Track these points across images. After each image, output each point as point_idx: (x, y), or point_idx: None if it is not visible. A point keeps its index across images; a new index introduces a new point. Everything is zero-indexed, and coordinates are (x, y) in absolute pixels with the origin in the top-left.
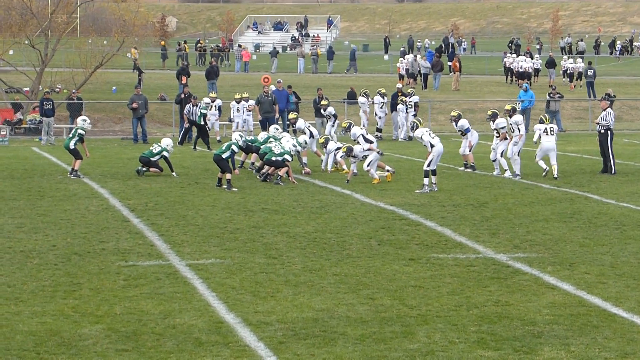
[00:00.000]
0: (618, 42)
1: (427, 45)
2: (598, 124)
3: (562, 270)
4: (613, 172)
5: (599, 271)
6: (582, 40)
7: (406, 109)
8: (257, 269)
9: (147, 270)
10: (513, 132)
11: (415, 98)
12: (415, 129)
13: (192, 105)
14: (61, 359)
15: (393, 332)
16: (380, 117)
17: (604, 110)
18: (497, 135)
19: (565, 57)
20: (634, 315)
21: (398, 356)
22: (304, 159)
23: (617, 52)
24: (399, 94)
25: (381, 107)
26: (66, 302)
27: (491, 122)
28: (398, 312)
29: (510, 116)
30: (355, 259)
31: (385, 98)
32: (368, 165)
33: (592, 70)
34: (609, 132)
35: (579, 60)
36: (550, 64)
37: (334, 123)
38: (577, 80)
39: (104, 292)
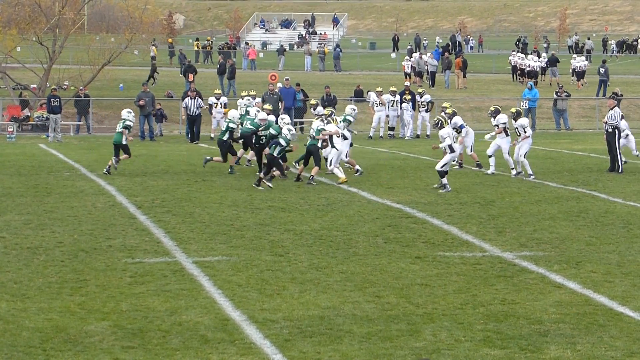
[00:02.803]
0: (612, 41)
1: (437, 43)
2: (606, 123)
3: (568, 268)
4: (620, 170)
5: (605, 270)
6: (589, 39)
7: (413, 106)
8: (263, 267)
9: (154, 267)
10: (519, 135)
11: (427, 97)
12: (441, 128)
13: (191, 99)
14: (67, 356)
15: (399, 330)
16: (388, 116)
17: (611, 109)
18: (499, 131)
19: (574, 55)
20: None
21: (404, 354)
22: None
23: (615, 51)
24: (406, 92)
25: (392, 106)
26: (72, 298)
27: (492, 118)
28: (404, 310)
29: (515, 119)
30: (361, 257)
31: (397, 96)
32: (331, 164)
33: (603, 69)
34: (616, 130)
35: (582, 58)
36: (553, 62)
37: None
38: (586, 77)
39: (110, 289)
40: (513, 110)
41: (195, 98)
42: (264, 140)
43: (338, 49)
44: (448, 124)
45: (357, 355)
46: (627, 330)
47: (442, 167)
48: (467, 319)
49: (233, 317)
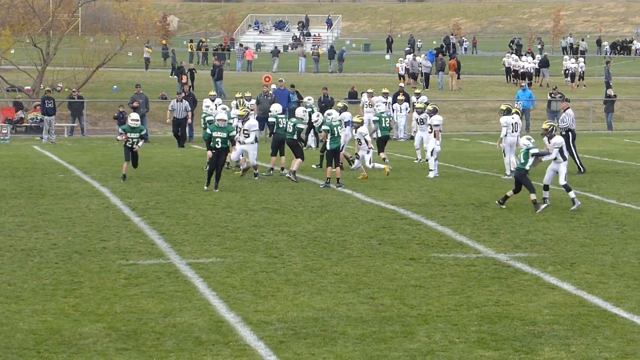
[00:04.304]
0: (605, 42)
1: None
2: (559, 127)
3: (562, 270)
4: (583, 171)
5: (599, 271)
6: (583, 40)
7: (409, 108)
8: (257, 268)
9: (148, 269)
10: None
11: (423, 98)
12: (554, 136)
13: (177, 101)
14: (61, 358)
15: (393, 331)
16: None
17: (564, 111)
18: (430, 130)
19: (566, 57)
20: (635, 315)
21: (398, 356)
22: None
23: (608, 52)
24: (400, 93)
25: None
26: (67, 300)
27: (428, 117)
28: (398, 312)
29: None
30: (355, 259)
31: (389, 98)
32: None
33: (605, 70)
34: (569, 133)
35: (581, 60)
36: (544, 63)
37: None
38: (579, 80)
39: (105, 291)
40: (503, 107)
41: (182, 100)
42: (219, 144)
43: (343, 49)
44: (559, 130)
45: (352, 357)
46: (621, 332)
47: (565, 181)
48: (462, 320)
49: (227, 318)
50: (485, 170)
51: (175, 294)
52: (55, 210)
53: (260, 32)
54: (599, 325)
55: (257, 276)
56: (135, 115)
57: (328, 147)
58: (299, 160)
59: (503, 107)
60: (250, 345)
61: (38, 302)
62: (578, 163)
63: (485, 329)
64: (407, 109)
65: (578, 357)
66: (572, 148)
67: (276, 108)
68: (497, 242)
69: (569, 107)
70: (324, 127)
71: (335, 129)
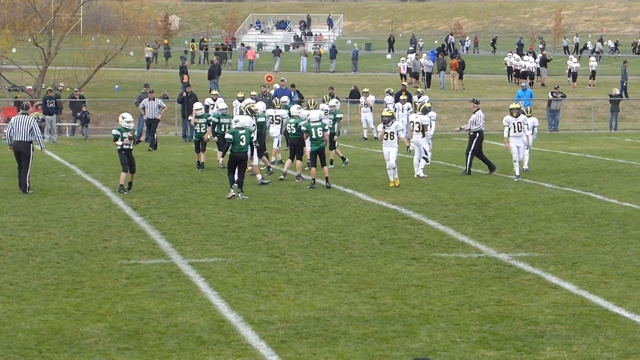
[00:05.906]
0: (608, 41)
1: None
2: (469, 129)
3: (564, 269)
4: (467, 172)
5: (601, 271)
6: (599, 42)
7: (411, 108)
8: (259, 268)
9: (149, 268)
10: (515, 132)
11: (425, 97)
12: None
13: (149, 100)
14: (63, 357)
15: (395, 331)
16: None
17: (474, 112)
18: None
19: (571, 56)
20: (636, 315)
21: (400, 355)
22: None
23: (590, 52)
24: (402, 92)
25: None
26: (68, 300)
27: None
28: (400, 312)
29: (516, 116)
30: (357, 258)
31: (393, 96)
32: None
33: (622, 70)
34: (478, 134)
35: (593, 59)
36: (542, 62)
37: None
38: (591, 79)
39: (106, 291)
40: (517, 106)
41: (154, 99)
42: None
43: (357, 50)
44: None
45: (353, 357)
46: (623, 331)
47: None
48: (463, 320)
49: (229, 318)
50: (486, 170)
51: (176, 293)
52: (57, 210)
53: (262, 31)
54: (601, 325)
55: (259, 276)
56: (128, 117)
57: (309, 148)
58: (299, 162)
59: (517, 105)
60: (252, 345)
61: (40, 302)
62: (467, 165)
63: (487, 329)
64: (409, 109)
65: (580, 357)
66: (476, 150)
67: (261, 107)
68: (499, 241)
69: (479, 109)
70: (303, 129)
71: (314, 130)
